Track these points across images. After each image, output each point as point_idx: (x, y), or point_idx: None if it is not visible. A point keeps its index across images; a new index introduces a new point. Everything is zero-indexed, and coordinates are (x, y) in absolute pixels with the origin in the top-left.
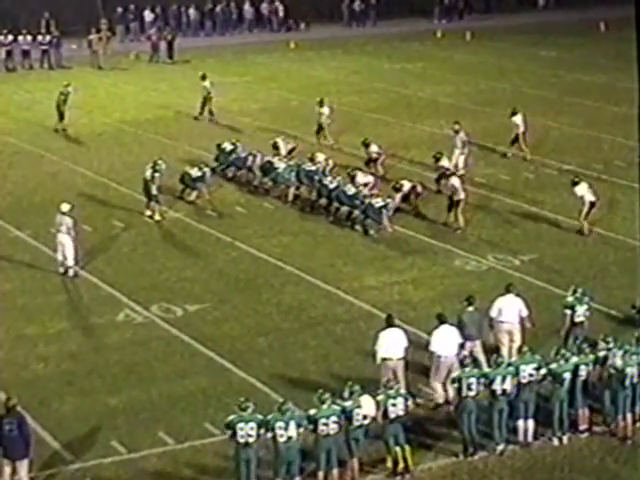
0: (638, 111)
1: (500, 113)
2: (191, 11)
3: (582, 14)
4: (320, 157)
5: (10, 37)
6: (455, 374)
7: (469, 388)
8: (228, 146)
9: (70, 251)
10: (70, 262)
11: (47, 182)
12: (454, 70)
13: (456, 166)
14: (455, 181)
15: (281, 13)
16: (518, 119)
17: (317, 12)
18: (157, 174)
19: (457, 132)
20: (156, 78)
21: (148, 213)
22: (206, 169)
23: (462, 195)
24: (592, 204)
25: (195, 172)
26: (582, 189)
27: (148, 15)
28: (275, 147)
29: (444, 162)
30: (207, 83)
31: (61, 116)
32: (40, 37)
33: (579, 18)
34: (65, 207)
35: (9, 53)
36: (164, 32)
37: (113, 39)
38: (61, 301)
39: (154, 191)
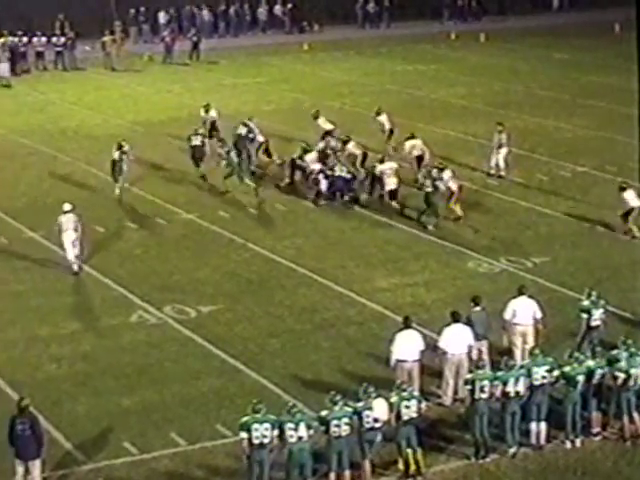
0: (638, 111)
1: (513, 115)
2: (204, 12)
3: (596, 16)
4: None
5: (24, 38)
6: (469, 376)
7: (482, 390)
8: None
9: (77, 247)
10: (73, 256)
11: (61, 183)
12: (467, 72)
13: (497, 166)
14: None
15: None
16: (383, 118)
17: (331, 14)
18: (124, 155)
19: (500, 132)
20: (169, 80)
21: (118, 192)
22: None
23: (454, 187)
24: (634, 209)
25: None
26: (630, 195)
27: (162, 17)
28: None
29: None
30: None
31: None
32: (54, 38)
33: (593, 20)
34: (67, 206)
35: (23, 55)
36: (189, 34)
37: (126, 40)
38: (74, 302)
39: (124, 170)
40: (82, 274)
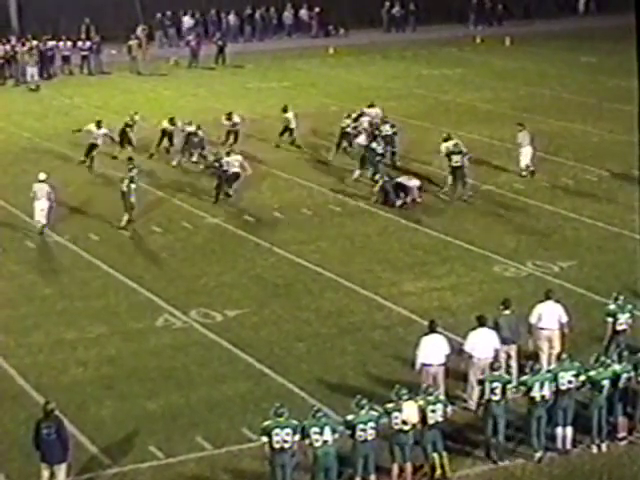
0: (638, 110)
1: (539, 119)
2: (230, 17)
3: (623, 19)
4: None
5: (51, 42)
6: (481, 376)
7: (493, 392)
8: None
9: (45, 212)
10: (44, 221)
11: (86, 187)
12: (493, 76)
13: (527, 166)
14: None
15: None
16: (290, 115)
17: (356, 17)
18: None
19: (519, 132)
20: (195, 83)
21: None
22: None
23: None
24: None
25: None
26: None
27: (187, 21)
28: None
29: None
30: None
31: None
32: (80, 43)
33: (620, 23)
34: (42, 176)
35: (50, 59)
36: (215, 38)
37: (152, 44)
38: (100, 306)
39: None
40: (109, 279)
